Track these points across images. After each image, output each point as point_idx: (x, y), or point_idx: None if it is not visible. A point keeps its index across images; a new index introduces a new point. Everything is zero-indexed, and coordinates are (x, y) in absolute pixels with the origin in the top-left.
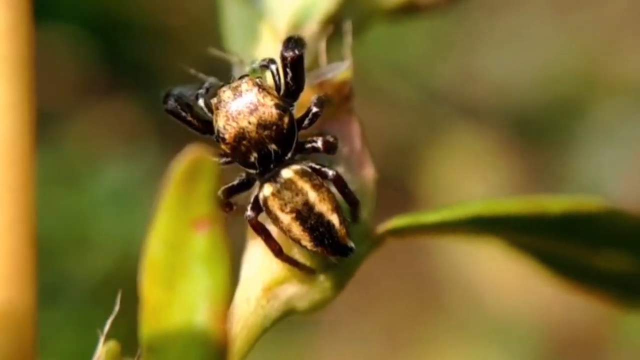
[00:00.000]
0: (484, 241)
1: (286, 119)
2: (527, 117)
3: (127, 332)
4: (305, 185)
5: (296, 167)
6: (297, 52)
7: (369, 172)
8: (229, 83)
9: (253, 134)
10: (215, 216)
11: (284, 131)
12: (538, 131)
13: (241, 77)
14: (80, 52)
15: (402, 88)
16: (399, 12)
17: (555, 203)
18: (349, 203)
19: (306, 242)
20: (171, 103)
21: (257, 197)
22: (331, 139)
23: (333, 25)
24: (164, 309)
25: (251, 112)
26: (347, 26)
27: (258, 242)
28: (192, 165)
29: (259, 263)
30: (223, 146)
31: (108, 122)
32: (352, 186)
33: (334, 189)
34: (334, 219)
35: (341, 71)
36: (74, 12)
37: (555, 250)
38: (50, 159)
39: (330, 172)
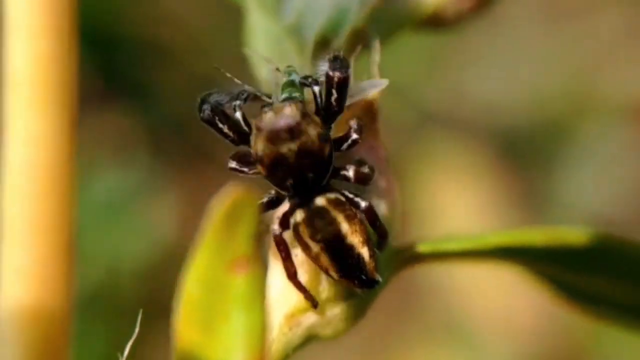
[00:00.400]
0: (502, 267)
1: (327, 149)
2: (515, 137)
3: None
4: (338, 216)
5: (331, 195)
6: (344, 73)
7: (395, 198)
8: (269, 101)
9: (292, 161)
10: (254, 257)
11: (324, 160)
12: (526, 150)
13: (285, 100)
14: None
15: (392, 107)
16: (424, 25)
17: (576, 235)
18: (378, 234)
19: (333, 272)
20: (208, 113)
21: (286, 215)
22: (366, 171)
23: (361, 41)
24: (200, 350)
25: (293, 140)
26: (376, 44)
27: (279, 266)
28: (234, 205)
29: (280, 289)
30: (259, 166)
31: (99, 133)
32: (379, 211)
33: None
34: (365, 252)
35: (378, 90)
36: None
37: (573, 279)
38: None
39: (363, 204)
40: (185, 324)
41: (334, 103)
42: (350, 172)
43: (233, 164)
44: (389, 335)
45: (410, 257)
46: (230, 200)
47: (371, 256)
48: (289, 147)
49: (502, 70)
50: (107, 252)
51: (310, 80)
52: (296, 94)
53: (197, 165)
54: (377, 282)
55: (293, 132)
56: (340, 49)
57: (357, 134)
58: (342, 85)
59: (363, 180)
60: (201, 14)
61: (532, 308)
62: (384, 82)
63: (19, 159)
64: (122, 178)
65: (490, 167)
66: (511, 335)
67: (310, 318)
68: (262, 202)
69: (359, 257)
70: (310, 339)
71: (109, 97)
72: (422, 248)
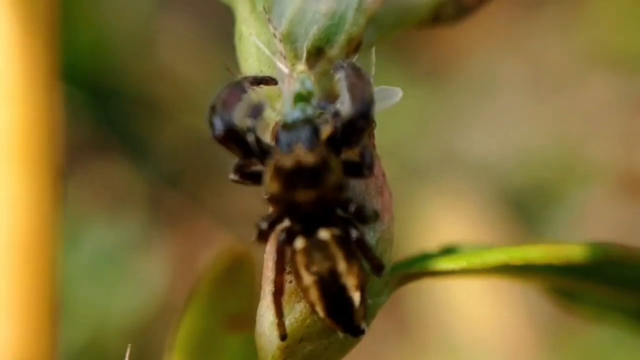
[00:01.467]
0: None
1: (339, 193)
2: (504, 198)
3: None
4: (338, 253)
5: (336, 231)
6: (366, 123)
7: (390, 219)
8: (279, 117)
9: (301, 199)
10: (250, 314)
11: (333, 199)
12: (515, 212)
13: (297, 142)
14: (74, 116)
15: (383, 164)
16: (420, 25)
17: (577, 251)
18: (373, 267)
19: (320, 309)
20: (219, 132)
21: (289, 233)
22: (370, 213)
23: (357, 48)
24: None
25: (307, 185)
26: (372, 56)
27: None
28: (232, 263)
29: (274, 319)
30: (266, 196)
31: (96, 186)
32: (375, 234)
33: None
34: (356, 297)
35: (396, 100)
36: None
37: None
38: None
39: (354, 234)
40: None
41: (351, 140)
42: (355, 210)
43: (234, 177)
44: (384, 351)
45: (404, 278)
46: (230, 259)
47: (361, 302)
48: (303, 190)
49: (494, 133)
50: (96, 309)
51: (330, 112)
52: (309, 112)
53: (189, 220)
54: (361, 331)
55: (308, 178)
56: (335, 56)
57: (368, 172)
58: (363, 130)
59: (368, 221)
60: (196, 70)
61: (526, 324)
62: (399, 92)
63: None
64: (115, 232)
65: (481, 226)
66: (504, 351)
67: (306, 348)
68: (264, 221)
69: (349, 300)
70: None
71: (108, 151)
72: (418, 267)
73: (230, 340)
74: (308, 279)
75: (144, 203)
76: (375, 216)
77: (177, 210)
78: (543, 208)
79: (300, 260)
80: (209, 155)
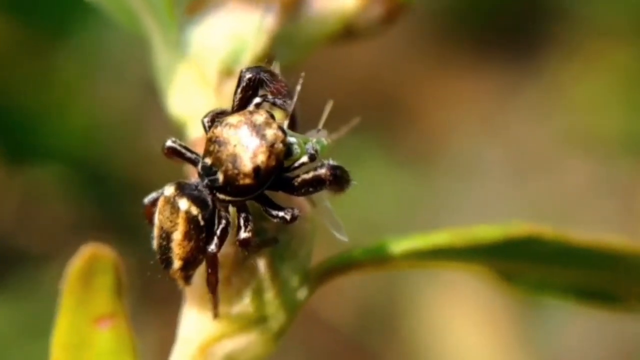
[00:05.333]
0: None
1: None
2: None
3: None
4: (181, 225)
5: (194, 210)
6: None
7: (305, 212)
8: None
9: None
10: (117, 310)
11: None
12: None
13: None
14: (66, 197)
15: (367, 243)
16: (334, 40)
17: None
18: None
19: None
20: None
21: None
22: (288, 216)
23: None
24: None
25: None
26: (276, 66)
27: (194, 301)
28: (88, 263)
29: (194, 322)
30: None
31: None
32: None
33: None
34: (176, 263)
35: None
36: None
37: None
38: (21, 307)
39: (210, 249)
40: None
41: (300, 178)
42: (275, 213)
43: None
44: None
45: (323, 271)
46: (85, 259)
47: (181, 270)
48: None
49: (473, 215)
50: None
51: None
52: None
53: (178, 304)
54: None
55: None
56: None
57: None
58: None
59: (281, 220)
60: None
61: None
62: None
63: None
64: None
65: (469, 307)
66: None
67: (226, 347)
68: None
69: (169, 260)
70: None
71: (96, 231)
72: (333, 261)
73: (100, 337)
74: (155, 220)
75: (138, 292)
76: (292, 219)
77: (165, 293)
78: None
79: (162, 204)
80: None
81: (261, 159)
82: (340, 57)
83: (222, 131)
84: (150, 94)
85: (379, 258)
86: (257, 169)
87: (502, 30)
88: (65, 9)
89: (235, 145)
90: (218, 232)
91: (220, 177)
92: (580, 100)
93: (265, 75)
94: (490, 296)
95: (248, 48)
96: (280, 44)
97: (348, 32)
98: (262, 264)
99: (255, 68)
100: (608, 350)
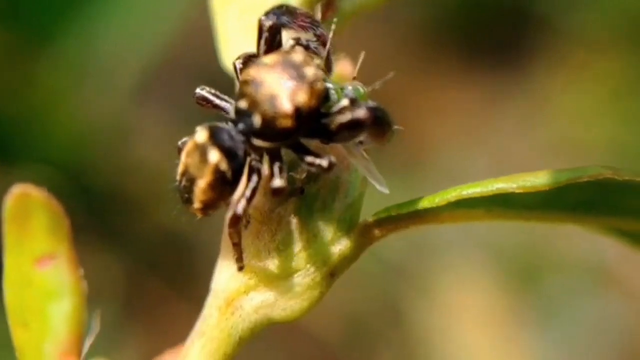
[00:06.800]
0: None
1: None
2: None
3: None
4: (209, 173)
5: (223, 163)
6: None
7: (343, 161)
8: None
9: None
10: (59, 251)
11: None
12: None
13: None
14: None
15: (360, 262)
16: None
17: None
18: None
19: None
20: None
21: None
22: (324, 164)
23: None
24: (22, 347)
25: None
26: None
27: (227, 252)
28: (19, 202)
29: (224, 274)
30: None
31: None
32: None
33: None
34: (196, 204)
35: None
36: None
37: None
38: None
39: (237, 209)
40: (13, 325)
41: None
42: (311, 160)
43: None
44: None
45: (373, 222)
46: (15, 198)
47: (201, 210)
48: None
49: (461, 227)
50: None
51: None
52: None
53: (164, 314)
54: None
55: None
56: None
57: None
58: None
59: (317, 168)
60: (170, 164)
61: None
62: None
63: None
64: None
65: (454, 315)
66: None
67: (254, 300)
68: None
69: (191, 199)
70: (262, 322)
71: (83, 240)
72: (386, 212)
73: (40, 276)
74: (181, 158)
75: (119, 294)
76: (330, 167)
77: (152, 300)
78: (516, 297)
79: (189, 147)
80: (183, 245)
81: (302, 98)
82: None
83: (258, 71)
84: (135, 101)
85: (437, 209)
86: (297, 109)
87: (488, 41)
88: (52, 15)
89: (273, 85)
90: (248, 192)
91: (256, 120)
92: (566, 111)
93: (285, 18)
94: (479, 308)
95: None
96: None
97: None
98: (291, 216)
99: (274, 13)
100: (609, 350)
